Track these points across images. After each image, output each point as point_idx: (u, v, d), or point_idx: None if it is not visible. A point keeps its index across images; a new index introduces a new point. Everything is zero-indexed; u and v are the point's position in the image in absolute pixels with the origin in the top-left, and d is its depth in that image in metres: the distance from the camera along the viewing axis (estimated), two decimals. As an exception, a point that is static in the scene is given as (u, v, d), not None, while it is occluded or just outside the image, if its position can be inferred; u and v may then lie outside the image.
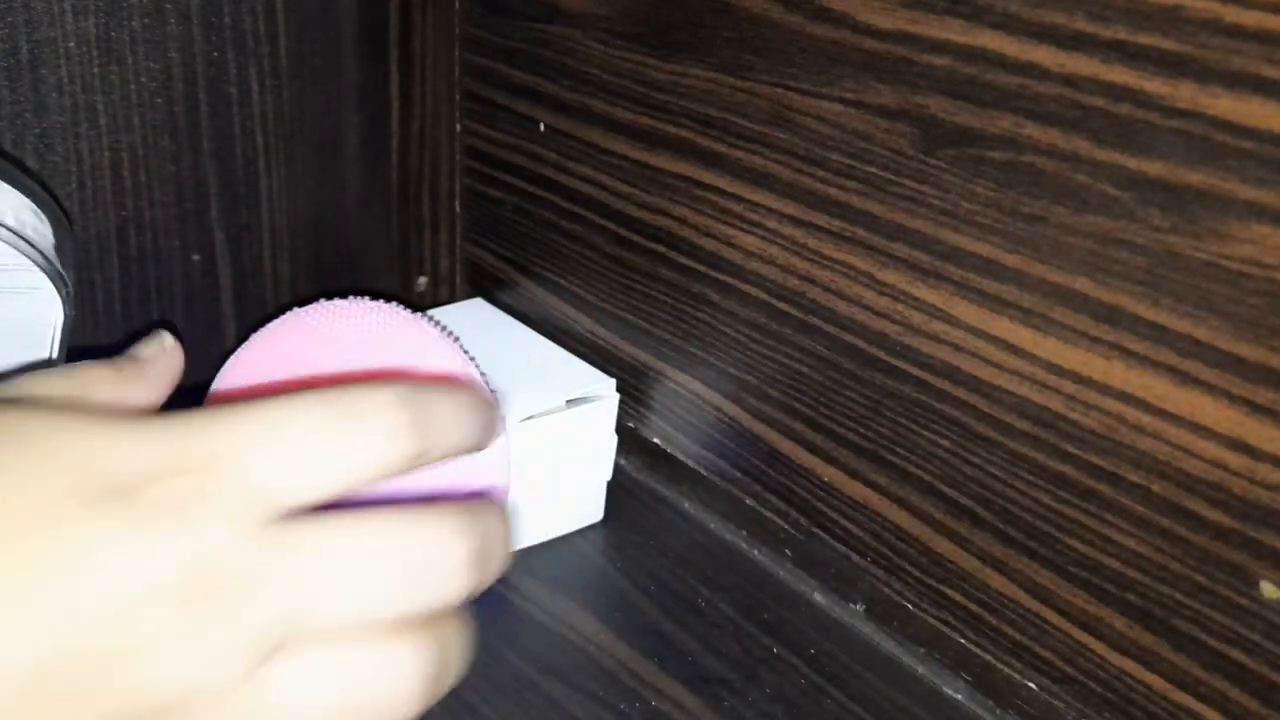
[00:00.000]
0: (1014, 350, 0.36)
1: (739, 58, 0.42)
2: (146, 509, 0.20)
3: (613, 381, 0.49)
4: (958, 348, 0.37)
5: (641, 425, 0.52)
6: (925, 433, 0.39)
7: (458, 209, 0.62)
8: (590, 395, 0.48)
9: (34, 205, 0.40)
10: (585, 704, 0.39)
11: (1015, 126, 0.34)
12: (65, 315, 0.40)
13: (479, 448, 0.26)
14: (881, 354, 0.40)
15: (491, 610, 0.44)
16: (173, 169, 0.51)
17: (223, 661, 0.20)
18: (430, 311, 0.53)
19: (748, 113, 0.42)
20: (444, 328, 0.39)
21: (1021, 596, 0.37)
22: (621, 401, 0.48)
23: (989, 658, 0.39)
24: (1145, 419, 0.32)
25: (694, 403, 0.49)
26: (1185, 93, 0.29)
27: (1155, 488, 0.33)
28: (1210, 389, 0.31)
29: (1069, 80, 0.32)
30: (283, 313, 0.49)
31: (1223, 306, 0.30)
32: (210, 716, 0.20)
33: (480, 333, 0.51)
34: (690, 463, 0.50)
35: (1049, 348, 0.35)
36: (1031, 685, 0.38)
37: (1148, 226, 0.31)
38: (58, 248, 0.41)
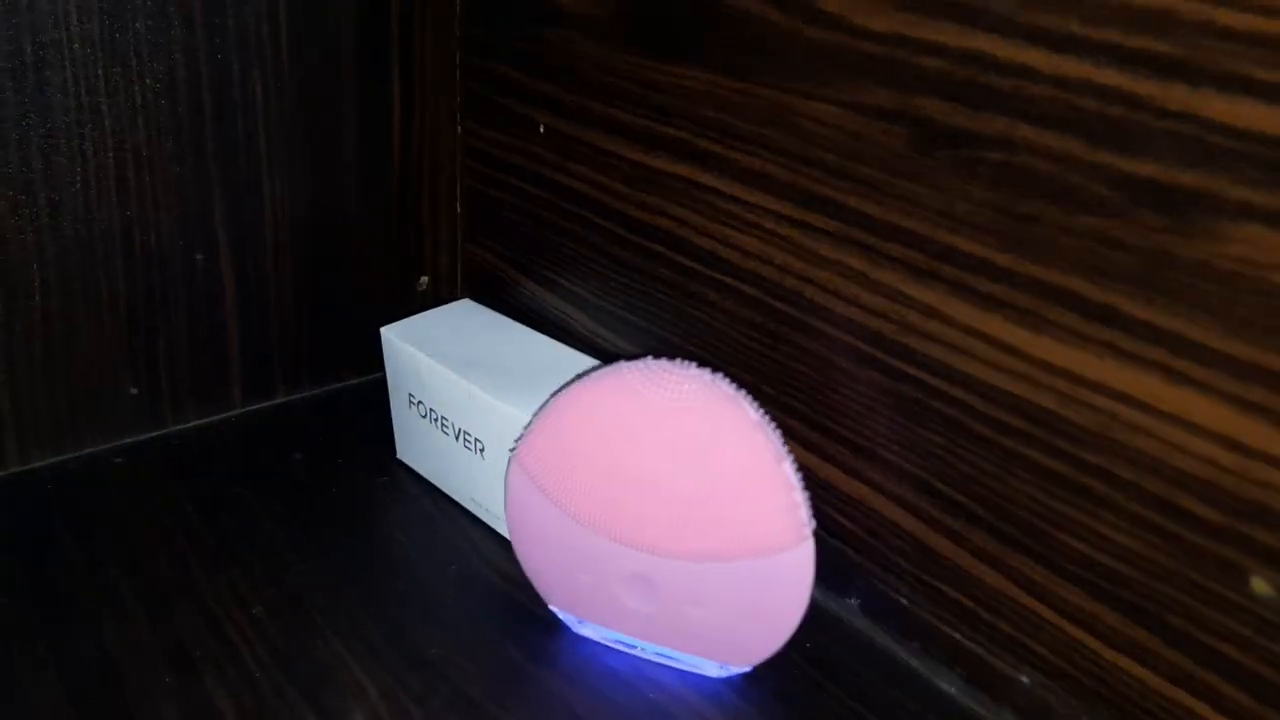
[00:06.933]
0: (1008, 349, 0.36)
1: (736, 60, 0.42)
2: None
3: None
4: (953, 346, 0.38)
5: (641, 424, 0.53)
6: (920, 430, 0.39)
7: (458, 209, 0.63)
8: None
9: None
10: (586, 699, 0.39)
11: (1009, 128, 0.34)
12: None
13: None
14: (877, 352, 0.40)
15: (490, 604, 0.44)
16: (176, 170, 0.52)
17: None
18: (421, 315, 0.53)
19: (745, 114, 0.43)
20: (758, 409, 0.38)
21: (1015, 592, 0.38)
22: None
23: (983, 653, 0.39)
24: (1138, 417, 0.33)
25: (693, 401, 0.49)
26: (1177, 94, 0.30)
27: (1148, 485, 0.33)
28: (1202, 387, 0.31)
29: (1062, 82, 0.32)
30: (283, 311, 0.49)
31: (1215, 306, 0.30)
32: None
33: (479, 331, 0.51)
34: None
35: (1043, 346, 0.35)
36: (1025, 680, 0.38)
37: (1140, 226, 0.31)
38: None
